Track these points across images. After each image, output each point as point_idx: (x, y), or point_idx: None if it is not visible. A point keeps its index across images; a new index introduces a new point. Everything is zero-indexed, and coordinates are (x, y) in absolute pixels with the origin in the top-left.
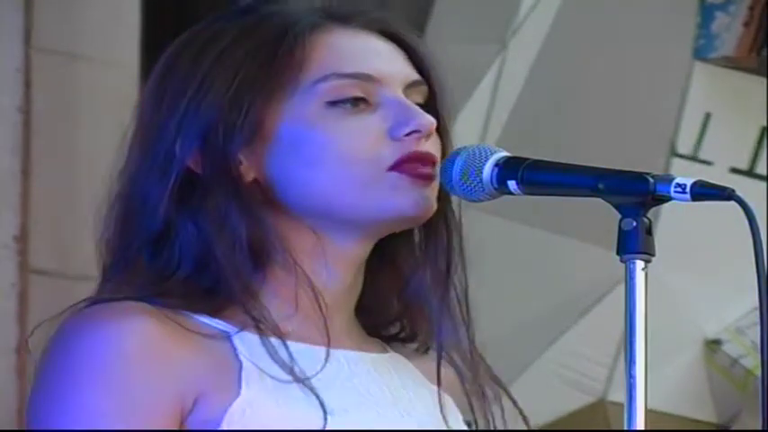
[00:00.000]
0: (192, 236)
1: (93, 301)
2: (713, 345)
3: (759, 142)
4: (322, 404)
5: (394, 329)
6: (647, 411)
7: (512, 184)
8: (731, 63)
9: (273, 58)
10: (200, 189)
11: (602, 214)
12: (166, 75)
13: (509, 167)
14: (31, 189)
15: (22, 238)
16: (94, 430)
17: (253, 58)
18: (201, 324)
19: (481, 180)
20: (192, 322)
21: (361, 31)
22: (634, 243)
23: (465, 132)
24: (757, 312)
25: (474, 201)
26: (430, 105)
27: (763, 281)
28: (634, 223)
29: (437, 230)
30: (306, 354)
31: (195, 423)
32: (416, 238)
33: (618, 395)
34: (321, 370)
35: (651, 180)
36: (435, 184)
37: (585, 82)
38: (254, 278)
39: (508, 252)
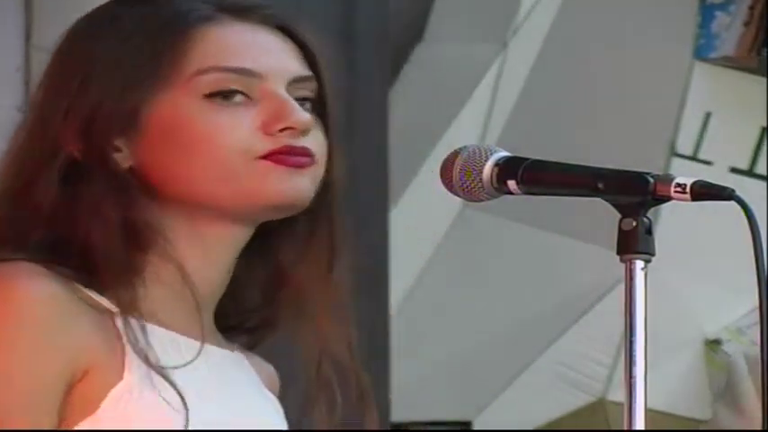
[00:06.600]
0: (72, 221)
1: None
2: (713, 345)
3: (759, 142)
4: (181, 396)
5: (242, 320)
6: (647, 411)
7: (512, 184)
8: (731, 63)
9: (158, 47)
10: (79, 175)
11: (602, 214)
12: (61, 56)
13: (509, 167)
14: None
15: None
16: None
17: (140, 46)
18: (91, 298)
19: (481, 180)
20: (84, 294)
21: (255, 26)
22: (634, 243)
23: (465, 132)
24: (757, 312)
25: (474, 201)
26: (319, 101)
27: (763, 281)
28: (634, 223)
29: (319, 225)
30: (175, 342)
31: (76, 396)
32: (299, 229)
33: (618, 395)
34: (191, 361)
35: (651, 180)
36: (313, 176)
37: (585, 82)
38: (133, 263)
39: (508, 252)
